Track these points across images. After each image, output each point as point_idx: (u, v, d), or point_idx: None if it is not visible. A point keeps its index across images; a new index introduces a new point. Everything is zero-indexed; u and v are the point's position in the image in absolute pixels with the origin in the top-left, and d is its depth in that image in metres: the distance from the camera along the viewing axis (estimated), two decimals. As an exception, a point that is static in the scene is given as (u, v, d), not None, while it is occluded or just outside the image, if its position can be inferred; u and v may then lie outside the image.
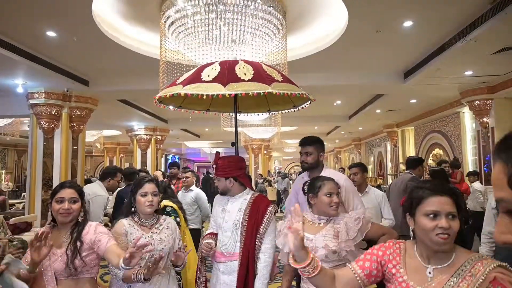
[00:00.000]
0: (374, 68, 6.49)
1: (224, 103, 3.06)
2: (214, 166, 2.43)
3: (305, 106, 2.82)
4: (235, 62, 2.46)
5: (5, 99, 7.39)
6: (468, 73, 6.15)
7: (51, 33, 4.75)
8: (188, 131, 14.31)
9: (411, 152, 11.80)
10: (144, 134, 11.97)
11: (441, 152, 9.73)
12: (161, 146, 12.85)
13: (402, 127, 12.01)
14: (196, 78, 2.34)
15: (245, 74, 2.33)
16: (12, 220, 5.97)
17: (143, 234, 2.15)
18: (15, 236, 5.46)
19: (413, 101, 8.60)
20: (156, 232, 2.21)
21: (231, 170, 2.39)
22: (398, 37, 4.98)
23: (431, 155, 10.31)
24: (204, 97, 2.29)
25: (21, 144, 17.30)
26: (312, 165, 2.65)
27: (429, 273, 1.32)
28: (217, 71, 2.34)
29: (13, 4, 3.96)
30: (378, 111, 9.94)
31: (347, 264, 1.53)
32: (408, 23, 4.54)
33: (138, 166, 12.09)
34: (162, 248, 2.17)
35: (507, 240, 0.70)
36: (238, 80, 2.29)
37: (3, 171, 17.02)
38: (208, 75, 2.32)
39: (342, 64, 6.22)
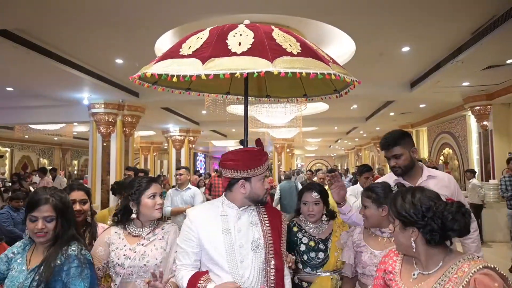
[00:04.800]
0: (383, 80, 7.46)
1: (218, 81, 2.08)
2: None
3: (348, 90, 2.22)
4: (269, 27, 1.76)
5: (70, 108, 8.85)
6: (466, 83, 7.04)
7: (119, 60, 6.05)
8: (217, 131, 15.58)
9: (424, 151, 12.59)
10: (178, 135, 13.31)
11: (450, 151, 10.53)
12: (193, 145, 14.16)
13: (416, 127, 12.80)
14: (221, 49, 1.59)
15: (290, 45, 1.64)
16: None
17: (125, 246, 1.84)
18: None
19: (422, 105, 9.48)
20: (143, 244, 1.84)
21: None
22: (399, 59, 5.98)
23: (442, 154, 11.11)
24: (238, 75, 1.49)
25: (65, 143, 19.16)
26: (407, 168, 2.16)
27: (413, 274, 1.36)
28: (250, 38, 1.62)
29: (92, 38, 5.16)
30: (391, 113, 10.83)
31: None
32: (406, 48, 5.53)
33: (174, 164, 13.46)
34: (144, 265, 1.79)
35: None
36: (286, 53, 1.59)
37: (50, 168, 18.90)
38: (240, 44, 1.59)
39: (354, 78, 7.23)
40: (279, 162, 17.84)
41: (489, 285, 1.15)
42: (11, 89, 7.60)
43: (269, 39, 1.64)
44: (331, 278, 2.11)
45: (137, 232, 1.89)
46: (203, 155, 27.30)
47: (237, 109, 10.15)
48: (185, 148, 13.57)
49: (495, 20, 4.46)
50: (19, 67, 5.96)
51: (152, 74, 1.65)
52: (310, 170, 11.45)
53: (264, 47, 1.58)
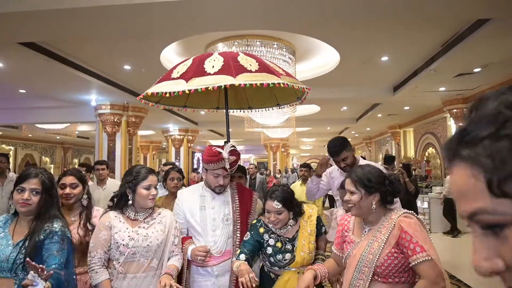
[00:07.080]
0: (367, 85, 8.13)
1: (208, 99, 3.01)
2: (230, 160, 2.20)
3: (305, 97, 2.81)
4: (236, 53, 2.36)
5: (77, 109, 9.45)
6: (442, 88, 7.72)
7: (127, 67, 6.66)
8: (215, 131, 16.19)
9: (411, 150, 13.28)
10: (178, 135, 13.90)
11: (433, 150, 11.22)
12: (192, 145, 14.77)
13: (403, 128, 13.49)
14: (199, 71, 2.17)
15: (250, 65, 2.19)
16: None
17: (127, 229, 2.01)
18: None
19: (406, 108, 10.15)
20: (144, 227, 2.04)
21: None
22: (380, 67, 6.63)
23: (426, 153, 11.80)
24: (211, 88, 2.06)
25: (67, 142, 19.70)
26: (353, 164, 2.72)
27: (364, 231, 1.73)
28: (220, 62, 2.19)
29: (103, 47, 5.78)
30: (379, 115, 11.50)
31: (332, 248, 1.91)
32: (385, 58, 6.19)
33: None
34: (148, 245, 1.98)
35: (495, 268, 0.45)
36: (246, 71, 2.15)
37: (52, 166, 19.44)
38: (213, 67, 2.16)
39: (341, 83, 7.89)
40: (275, 162, 18.43)
41: (408, 222, 1.57)
42: (24, 91, 8.19)
43: (234, 61, 2.20)
44: (298, 273, 2.14)
45: (134, 216, 2.05)
46: (200, 154, 27.91)
47: (235, 111, 10.76)
48: (184, 147, 14.16)
49: (460, 34, 5.11)
50: (35, 72, 6.54)
51: (152, 93, 2.21)
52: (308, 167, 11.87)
53: (230, 67, 2.14)
